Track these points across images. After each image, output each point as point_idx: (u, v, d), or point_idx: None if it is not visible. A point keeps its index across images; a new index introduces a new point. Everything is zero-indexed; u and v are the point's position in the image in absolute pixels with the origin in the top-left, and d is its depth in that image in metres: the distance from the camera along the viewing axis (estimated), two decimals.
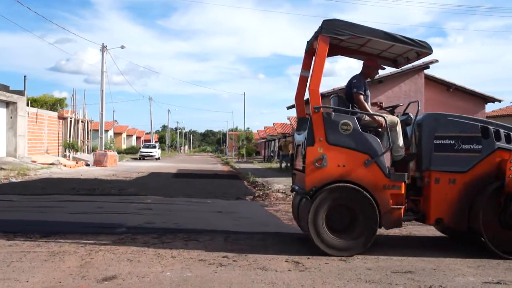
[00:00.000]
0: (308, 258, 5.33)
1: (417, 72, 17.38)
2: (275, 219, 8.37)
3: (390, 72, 17.47)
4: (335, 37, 5.67)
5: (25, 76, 26.44)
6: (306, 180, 5.45)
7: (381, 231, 6.50)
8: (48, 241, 5.91)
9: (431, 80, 19.20)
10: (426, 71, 17.95)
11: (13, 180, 15.57)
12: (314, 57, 5.75)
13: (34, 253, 5.31)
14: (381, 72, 7.59)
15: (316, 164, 5.44)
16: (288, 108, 26.92)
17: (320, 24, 5.71)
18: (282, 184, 15.07)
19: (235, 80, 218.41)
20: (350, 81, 6.21)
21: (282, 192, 12.40)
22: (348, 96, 6.17)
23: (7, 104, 23.65)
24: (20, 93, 24.73)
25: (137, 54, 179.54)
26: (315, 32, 5.99)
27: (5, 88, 23.65)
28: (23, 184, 14.45)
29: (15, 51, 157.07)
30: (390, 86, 16.68)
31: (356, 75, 6.27)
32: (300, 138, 6.22)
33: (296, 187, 6.24)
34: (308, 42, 6.48)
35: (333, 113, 5.63)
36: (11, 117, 23.75)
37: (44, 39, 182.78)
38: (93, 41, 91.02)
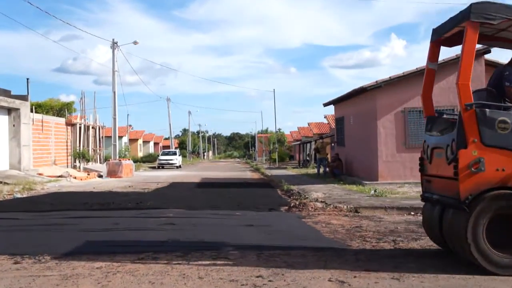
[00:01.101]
0: (355, 276, 5.28)
1: (476, 57, 16.95)
2: (315, 232, 8.35)
3: (443, 60, 17.14)
4: (486, 22, 5.60)
5: (27, 79, 27.12)
6: (461, 188, 5.41)
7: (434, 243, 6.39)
8: (60, 263, 6.03)
9: (493, 66, 18.72)
10: (486, 56, 17.52)
11: (18, 195, 15.99)
12: (457, 47, 5.69)
13: (45, 277, 5.42)
14: None
15: (472, 169, 5.41)
16: (325, 105, 26.77)
17: (465, 9, 5.67)
18: (320, 192, 15.02)
19: (262, 75, 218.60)
20: (500, 74, 6.14)
21: (321, 201, 12.33)
22: (496, 89, 6.09)
23: (9, 110, 24.26)
24: (23, 98, 25.34)
25: (152, 50, 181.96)
26: (453, 19, 5.98)
27: (6, 93, 24.22)
28: (29, 199, 14.83)
29: (16, 51, 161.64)
30: (444, 75, 16.35)
31: (508, 67, 6.19)
32: (436, 140, 6.22)
33: (434, 196, 6.18)
34: (434, 30, 6.49)
35: (488, 110, 5.58)
36: (13, 125, 24.32)
37: (47, 37, 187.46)
38: (102, 37, 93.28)
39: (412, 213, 10.62)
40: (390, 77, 17.50)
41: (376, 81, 17.62)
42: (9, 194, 16.01)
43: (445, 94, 16.24)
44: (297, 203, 12.17)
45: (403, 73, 17.36)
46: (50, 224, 9.33)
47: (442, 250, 6.49)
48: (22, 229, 8.81)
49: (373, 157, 17.83)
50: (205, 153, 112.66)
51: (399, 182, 16.74)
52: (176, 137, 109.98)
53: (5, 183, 19.53)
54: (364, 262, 5.99)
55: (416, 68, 17.26)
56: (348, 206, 11.30)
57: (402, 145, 17.30)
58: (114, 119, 33.29)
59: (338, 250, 6.75)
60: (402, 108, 17.43)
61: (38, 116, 27.96)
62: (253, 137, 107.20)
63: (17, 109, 24.34)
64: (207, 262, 6.02)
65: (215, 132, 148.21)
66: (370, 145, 18.52)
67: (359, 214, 10.60)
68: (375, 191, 14.34)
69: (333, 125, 35.12)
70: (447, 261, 5.92)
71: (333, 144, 27.86)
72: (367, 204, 11.73)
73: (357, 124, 20.89)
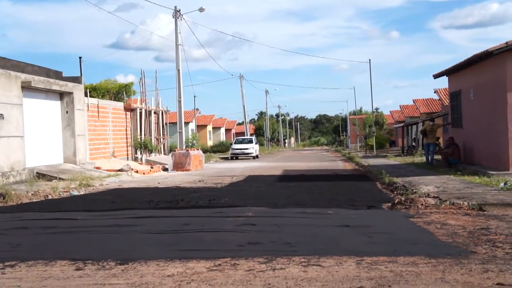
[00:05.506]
0: None
1: None
2: (427, 234, 8.22)
3: None
4: None
5: (80, 58, 28.21)
6: None
7: None
8: (126, 270, 6.30)
9: None
10: None
11: (75, 193, 16.89)
12: None
13: (110, 285, 5.70)
14: None
15: None
16: (436, 76, 26.13)
17: None
18: (432, 185, 14.76)
19: (355, 43, 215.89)
20: None
21: (433, 197, 12.10)
22: None
23: (61, 95, 25.27)
24: (76, 80, 26.40)
25: (221, 19, 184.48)
26: None
27: (58, 75, 25.35)
28: (87, 197, 15.60)
29: (65, 26, 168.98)
30: None
31: None
32: None
33: None
34: None
35: None
36: (66, 112, 25.32)
37: (101, 7, 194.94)
38: (163, 5, 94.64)
39: None
40: None
41: (506, 43, 16.83)
42: (65, 191, 16.93)
43: None
44: (403, 199, 12.02)
45: None
46: (112, 225, 9.76)
47: None
48: (81, 230, 9.29)
49: (502, 140, 17.30)
50: (286, 140, 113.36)
51: None
52: (252, 121, 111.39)
53: (60, 178, 20.62)
54: (494, 273, 5.81)
55: None
56: (470, 203, 11.00)
57: None
58: (179, 101, 33.97)
59: (459, 257, 6.58)
60: None
61: (94, 101, 29.09)
62: (344, 120, 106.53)
63: (70, 93, 25.29)
64: (296, 270, 6.08)
65: (297, 115, 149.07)
66: (497, 125, 17.91)
67: (485, 212, 10.27)
68: (505, 183, 13.86)
69: (446, 102, 34.21)
70: None
71: (446, 126, 27.16)
72: (496, 200, 11.37)
73: (479, 99, 20.28)
